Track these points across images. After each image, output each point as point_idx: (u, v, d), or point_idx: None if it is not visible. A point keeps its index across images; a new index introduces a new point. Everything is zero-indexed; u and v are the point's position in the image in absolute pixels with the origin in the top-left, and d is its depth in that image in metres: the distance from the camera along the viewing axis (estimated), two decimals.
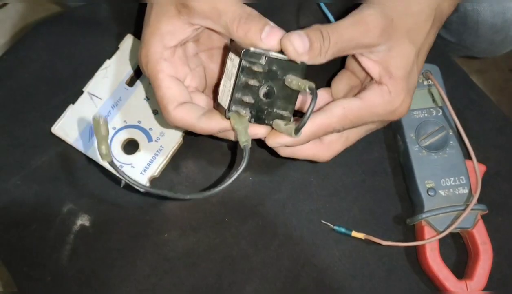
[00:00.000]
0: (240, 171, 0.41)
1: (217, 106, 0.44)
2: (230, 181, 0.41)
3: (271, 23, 0.42)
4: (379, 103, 0.43)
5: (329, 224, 0.50)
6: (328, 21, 0.56)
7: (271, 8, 0.57)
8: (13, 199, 0.50)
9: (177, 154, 0.51)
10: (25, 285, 0.48)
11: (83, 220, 0.49)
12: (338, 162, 0.52)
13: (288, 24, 0.56)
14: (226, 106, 0.42)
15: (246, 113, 0.42)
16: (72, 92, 0.52)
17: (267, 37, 0.40)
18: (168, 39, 0.43)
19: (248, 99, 0.41)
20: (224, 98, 0.43)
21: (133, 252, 0.49)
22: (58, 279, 0.48)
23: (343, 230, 0.49)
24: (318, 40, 0.40)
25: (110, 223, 0.49)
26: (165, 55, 0.43)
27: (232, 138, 0.45)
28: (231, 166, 0.52)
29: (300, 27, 0.56)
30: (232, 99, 0.41)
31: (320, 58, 0.41)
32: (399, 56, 0.43)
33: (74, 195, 0.50)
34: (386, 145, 0.53)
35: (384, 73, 0.43)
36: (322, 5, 0.56)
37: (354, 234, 0.49)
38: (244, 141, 0.41)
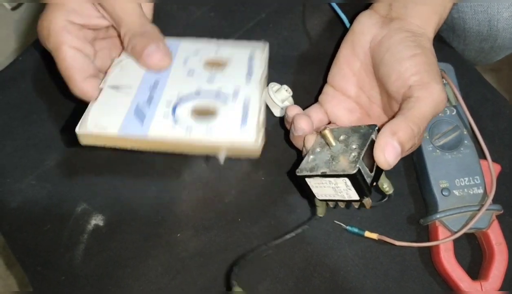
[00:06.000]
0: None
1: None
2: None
3: (161, 44, 0.44)
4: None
5: (341, 224, 0.50)
6: (341, 21, 0.56)
7: (279, 9, 0.57)
8: (28, 198, 0.50)
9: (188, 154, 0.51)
10: (39, 284, 0.48)
11: (96, 220, 0.50)
12: None
13: (296, 25, 0.56)
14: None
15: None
16: None
17: (148, 56, 0.43)
18: (73, 15, 0.43)
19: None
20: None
21: (146, 251, 0.49)
22: (71, 279, 0.48)
23: (356, 230, 0.49)
24: (410, 141, 0.39)
25: (124, 223, 0.50)
26: (69, 28, 0.43)
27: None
28: (242, 166, 0.52)
29: (308, 28, 0.56)
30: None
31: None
32: None
33: (87, 195, 0.50)
34: None
35: None
36: (334, 5, 0.56)
37: (367, 234, 0.49)
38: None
